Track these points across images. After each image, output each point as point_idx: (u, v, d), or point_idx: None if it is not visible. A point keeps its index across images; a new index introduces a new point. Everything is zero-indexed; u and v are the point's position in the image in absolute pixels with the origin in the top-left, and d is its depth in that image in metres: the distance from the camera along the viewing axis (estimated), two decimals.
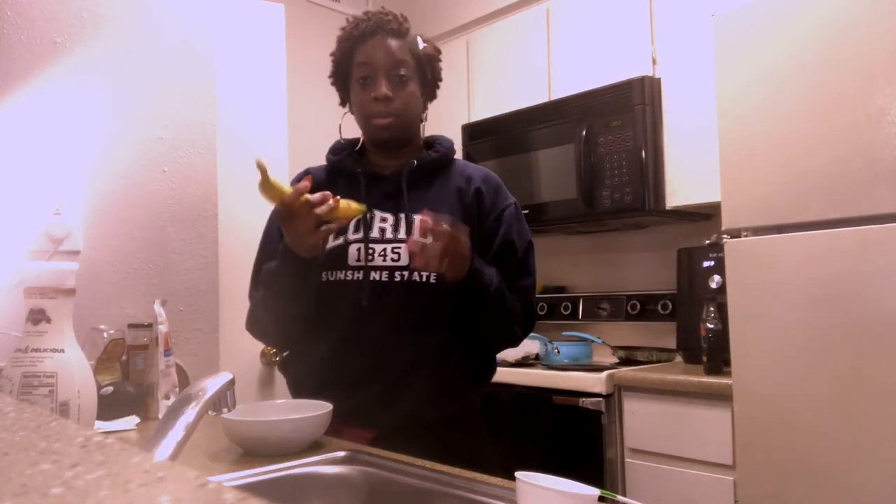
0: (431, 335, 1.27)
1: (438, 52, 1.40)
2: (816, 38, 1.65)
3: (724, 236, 1.81)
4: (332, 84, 1.40)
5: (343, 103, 1.40)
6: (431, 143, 1.41)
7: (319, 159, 1.43)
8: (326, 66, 1.38)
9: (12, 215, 1.51)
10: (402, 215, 1.29)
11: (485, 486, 0.92)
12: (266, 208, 1.22)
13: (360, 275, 1.26)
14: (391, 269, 1.26)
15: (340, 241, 1.28)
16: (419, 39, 1.35)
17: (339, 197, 1.16)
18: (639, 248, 2.74)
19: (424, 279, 1.25)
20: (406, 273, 1.25)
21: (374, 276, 1.26)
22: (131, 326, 1.56)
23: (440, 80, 1.41)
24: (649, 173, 2.34)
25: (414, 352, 1.26)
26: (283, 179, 1.15)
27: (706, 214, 2.44)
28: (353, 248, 1.27)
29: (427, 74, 1.36)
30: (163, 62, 1.75)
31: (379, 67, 1.28)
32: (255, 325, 1.35)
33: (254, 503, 0.28)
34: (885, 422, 1.50)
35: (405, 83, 1.30)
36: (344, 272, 1.27)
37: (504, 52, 2.90)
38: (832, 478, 1.57)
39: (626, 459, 2.12)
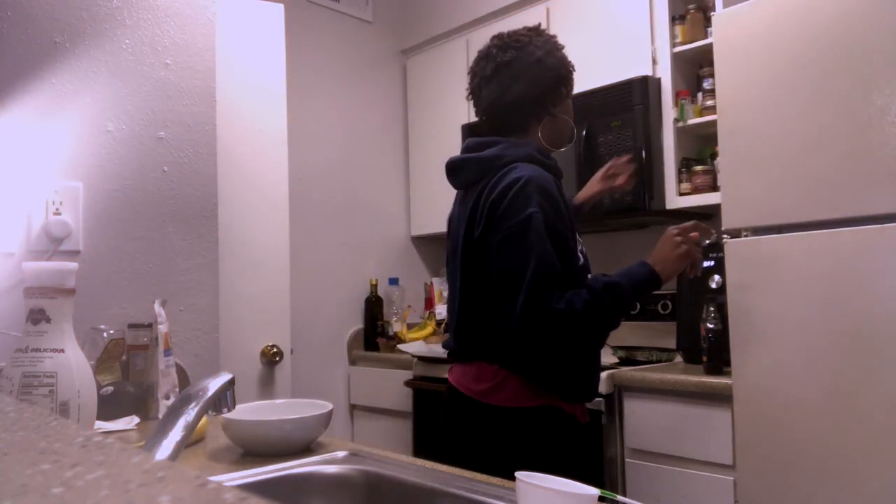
0: None
1: None
2: (816, 37, 1.65)
3: (724, 236, 1.81)
4: (550, 83, 1.53)
5: (553, 104, 1.55)
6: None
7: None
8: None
9: (12, 215, 1.51)
10: None
11: (485, 486, 0.92)
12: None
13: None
14: None
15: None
16: None
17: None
18: (639, 248, 2.74)
19: None
20: None
21: None
22: (131, 326, 1.56)
23: None
24: (649, 173, 2.33)
25: None
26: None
27: (706, 214, 2.44)
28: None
29: None
30: (163, 62, 1.76)
31: None
32: (574, 336, 1.43)
33: (254, 503, 0.28)
34: (885, 422, 1.50)
35: None
36: None
37: None
38: (832, 478, 1.57)
39: (626, 459, 2.11)
